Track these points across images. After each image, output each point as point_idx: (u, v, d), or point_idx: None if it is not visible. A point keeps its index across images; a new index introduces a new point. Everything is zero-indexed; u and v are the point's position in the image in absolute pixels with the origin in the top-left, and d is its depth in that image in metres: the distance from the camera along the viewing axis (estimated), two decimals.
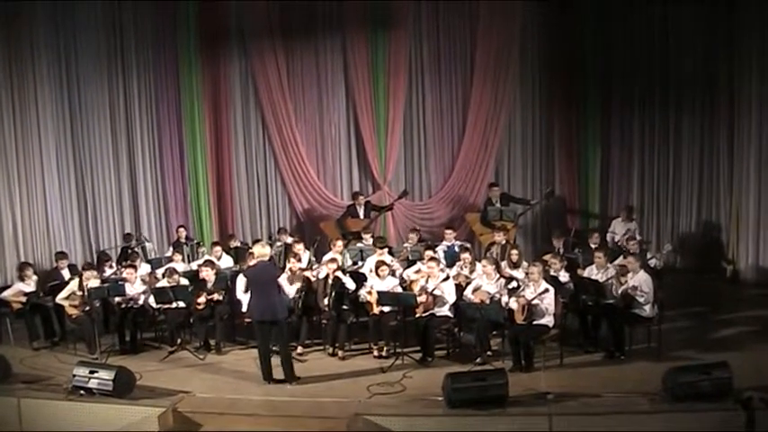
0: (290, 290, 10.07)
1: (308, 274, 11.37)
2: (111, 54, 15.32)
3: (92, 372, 9.35)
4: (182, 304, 11.21)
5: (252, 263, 10.32)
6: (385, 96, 15.50)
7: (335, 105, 15.70)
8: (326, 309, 10.91)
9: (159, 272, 12.24)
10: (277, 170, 15.89)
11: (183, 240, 13.88)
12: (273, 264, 10.39)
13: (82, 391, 9.29)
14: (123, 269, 11.87)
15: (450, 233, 13.23)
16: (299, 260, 11.69)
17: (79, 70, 15.14)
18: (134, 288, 11.51)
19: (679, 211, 15.10)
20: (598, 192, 15.50)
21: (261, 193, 16.02)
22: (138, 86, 15.53)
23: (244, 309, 11.16)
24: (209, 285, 11.39)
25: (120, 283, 11.52)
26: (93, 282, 11.29)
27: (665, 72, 14.80)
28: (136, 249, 13.55)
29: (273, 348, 9.96)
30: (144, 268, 12.46)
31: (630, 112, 15.16)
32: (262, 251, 9.92)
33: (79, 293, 11.16)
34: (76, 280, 11.34)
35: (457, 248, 12.50)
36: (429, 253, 11.66)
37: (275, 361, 9.87)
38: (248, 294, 10.36)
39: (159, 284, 11.51)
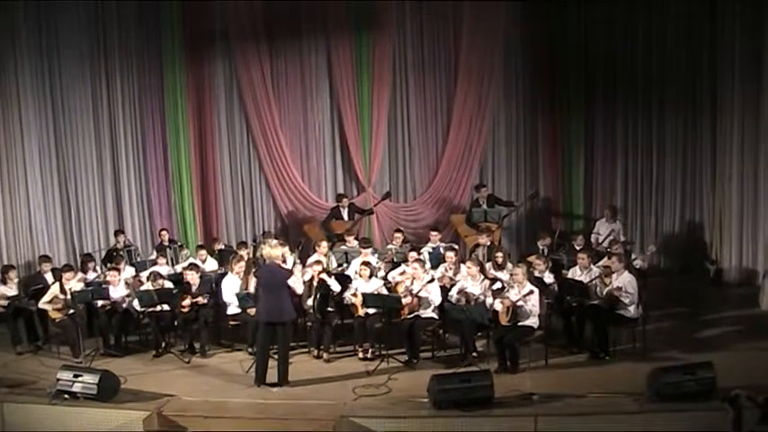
0: (299, 287, 10.13)
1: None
2: (95, 54, 15.23)
3: (76, 375, 9.29)
4: (166, 307, 11.15)
5: (264, 264, 10.23)
6: (369, 98, 15.45)
7: (320, 107, 15.66)
8: (311, 311, 10.87)
9: (143, 275, 12.16)
10: (261, 172, 15.84)
11: (166, 243, 13.81)
12: (283, 265, 10.32)
13: (66, 396, 9.22)
14: (107, 272, 11.79)
15: (435, 235, 13.23)
16: (284, 262, 11.56)
17: (62, 71, 15.06)
18: (118, 291, 11.44)
19: (662, 211, 15.14)
20: (582, 193, 15.51)
21: (245, 196, 15.96)
22: (121, 87, 15.44)
23: (230, 311, 11.18)
24: (194, 288, 11.33)
25: (103, 286, 11.44)
26: (76, 285, 11.21)
27: (647, 72, 14.84)
28: (121, 252, 13.46)
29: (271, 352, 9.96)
30: (128, 271, 12.37)
31: (614, 113, 15.18)
32: (271, 253, 9.87)
33: (62, 297, 11.07)
34: (57, 284, 11.25)
35: (442, 250, 12.47)
36: (414, 255, 11.66)
37: (271, 363, 9.86)
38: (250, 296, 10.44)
39: (143, 287, 11.44)
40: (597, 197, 15.47)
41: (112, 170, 15.60)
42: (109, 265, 12.56)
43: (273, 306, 9.65)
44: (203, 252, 12.99)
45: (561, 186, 15.62)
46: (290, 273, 9.97)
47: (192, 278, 11.41)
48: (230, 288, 11.18)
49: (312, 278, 11.01)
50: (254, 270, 10.31)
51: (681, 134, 14.89)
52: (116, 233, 14.48)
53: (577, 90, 15.28)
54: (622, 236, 13.79)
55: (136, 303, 11.23)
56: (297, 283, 9.96)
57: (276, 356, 9.84)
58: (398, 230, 13.67)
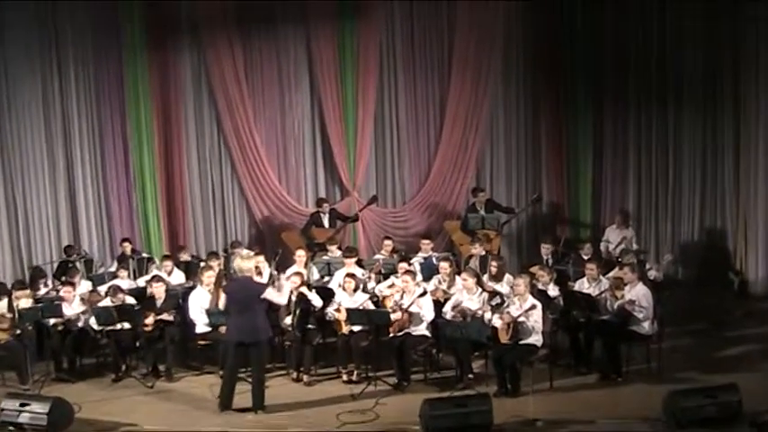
0: (283, 297, 10.01)
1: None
2: (45, 44, 15.07)
3: (23, 404, 9.20)
4: (127, 326, 11.08)
5: (238, 278, 10.13)
6: (354, 93, 15.47)
7: (299, 103, 15.63)
8: (290, 329, 10.83)
9: (102, 289, 12.07)
10: (234, 175, 15.78)
11: (128, 254, 13.70)
12: (256, 279, 10.22)
13: (11, 427, 9.13)
14: (60, 287, 11.66)
15: (426, 243, 13.22)
16: (260, 274, 11.51)
17: (8, 70, 14.94)
18: (72, 308, 11.33)
19: (680, 217, 15.18)
20: (590, 197, 15.58)
21: (216, 201, 15.88)
22: (75, 80, 15.29)
23: (198, 330, 11.12)
24: (159, 304, 11.28)
25: (56, 302, 11.33)
26: (24, 302, 11.08)
27: (662, 65, 14.90)
28: (76, 264, 13.34)
29: (240, 375, 9.89)
30: (84, 285, 12.27)
31: (625, 110, 15.25)
32: (243, 265, 9.77)
33: (9, 316, 10.94)
34: (5, 300, 11.12)
35: (434, 260, 12.48)
36: (404, 265, 11.61)
37: (239, 388, 9.79)
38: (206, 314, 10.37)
39: (101, 304, 11.34)
40: (607, 201, 15.53)
41: (66, 175, 15.45)
42: (62, 278, 12.41)
43: (246, 324, 9.56)
44: (169, 263, 12.91)
45: (567, 190, 15.69)
46: (265, 286, 9.87)
47: (157, 292, 11.36)
48: (199, 303, 11.08)
49: (291, 292, 10.91)
50: (223, 284, 10.22)
51: (700, 133, 14.95)
52: (66, 249, 14.34)
53: (585, 85, 15.36)
54: (635, 244, 13.84)
55: (93, 321, 11.13)
56: (275, 295, 9.82)
57: (248, 380, 9.77)
58: (387, 238, 13.66)
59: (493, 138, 15.81)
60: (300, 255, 12.38)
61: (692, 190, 15.06)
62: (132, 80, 15.33)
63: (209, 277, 11.19)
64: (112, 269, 13.31)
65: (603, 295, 10.58)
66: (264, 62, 15.52)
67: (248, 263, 9.83)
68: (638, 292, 10.32)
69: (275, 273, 11.96)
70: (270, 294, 9.68)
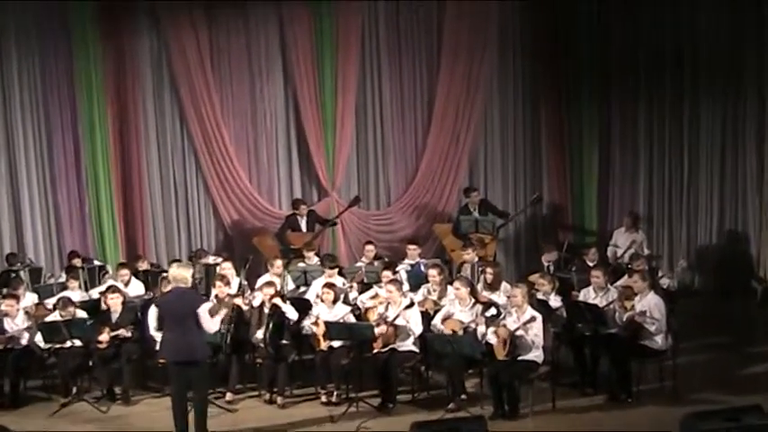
0: (213, 323, 9.84)
1: (238, 301, 11.21)
2: None
3: None
4: (78, 343, 10.99)
5: (166, 289, 10.10)
6: (333, 82, 15.49)
7: (271, 93, 15.66)
8: (262, 345, 10.82)
9: (49, 302, 12.03)
10: (199, 173, 15.76)
11: (79, 264, 13.59)
12: (195, 290, 10.15)
13: None
14: (1, 300, 11.56)
15: (413, 249, 13.22)
16: (228, 284, 11.56)
17: None
18: (16, 324, 11.24)
19: (696, 219, 15.27)
20: (596, 197, 15.68)
21: (179, 203, 15.85)
22: (18, 69, 15.13)
23: (158, 347, 10.94)
24: (115, 318, 11.23)
25: None
26: None
27: (677, 53, 14.98)
28: (20, 274, 13.24)
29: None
30: (29, 298, 12.20)
31: (635, 102, 15.35)
32: (179, 274, 9.67)
33: None
34: None
35: (423, 268, 12.49)
36: (388, 274, 11.62)
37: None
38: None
39: (49, 318, 11.28)
40: (614, 202, 15.64)
41: (8, 174, 15.31)
42: (4, 290, 12.29)
43: (181, 342, 9.40)
44: (126, 272, 12.86)
45: (570, 189, 15.79)
46: (203, 300, 9.79)
47: (112, 305, 11.31)
48: (157, 318, 11.00)
49: (263, 304, 10.98)
50: (157, 297, 10.14)
51: (719, 128, 15.04)
52: (8, 258, 14.24)
53: (590, 74, 15.43)
54: (646, 249, 13.87)
55: (39, 338, 11.06)
56: (206, 317, 9.47)
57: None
58: (369, 244, 13.65)
59: (487, 132, 15.89)
60: (276, 264, 12.36)
61: (710, 189, 15.14)
62: (83, 70, 15.21)
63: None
64: (61, 279, 13.20)
65: (611, 306, 10.57)
66: (233, 47, 15.48)
67: (184, 271, 9.67)
68: (649, 303, 10.29)
69: (245, 283, 11.95)
70: (203, 312, 9.43)
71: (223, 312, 10.51)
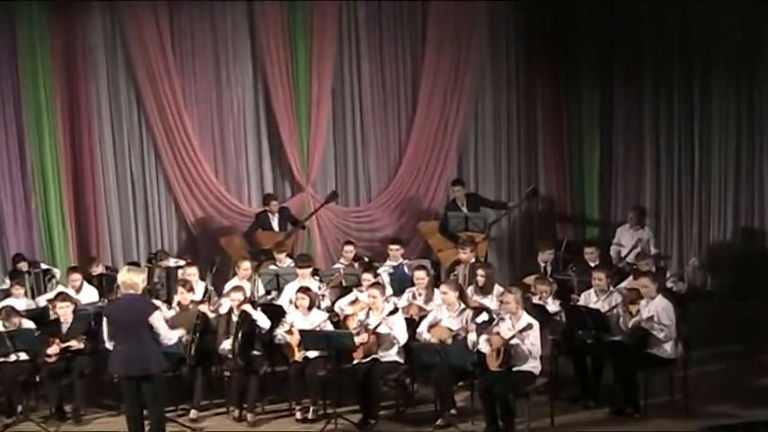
0: (170, 332, 9.81)
1: (203, 308, 11.21)
2: None
3: None
4: (24, 356, 10.99)
5: (116, 296, 10.06)
6: (307, 65, 15.45)
7: (239, 78, 15.61)
8: (230, 356, 10.79)
9: None
10: (159, 167, 15.69)
11: (25, 269, 13.51)
12: (146, 297, 10.09)
13: None
14: None
15: (396, 249, 13.25)
16: (192, 290, 11.56)
17: None
18: None
19: (708, 215, 15.36)
20: (597, 191, 15.75)
21: (137, 200, 15.76)
22: None
23: (109, 360, 10.90)
24: (65, 328, 11.19)
25: None
26: None
27: (686, 36, 15.02)
28: None
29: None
30: None
31: (640, 88, 15.44)
32: (128, 279, 9.61)
33: None
34: None
35: (406, 269, 12.53)
36: (369, 277, 11.61)
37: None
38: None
39: None
40: (618, 196, 15.73)
41: None
42: None
43: (132, 353, 9.35)
44: (77, 277, 12.82)
45: (569, 182, 15.88)
46: (155, 307, 9.71)
47: (62, 314, 11.26)
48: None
49: (231, 311, 10.97)
50: (104, 305, 10.10)
51: (733, 115, 15.12)
52: None
53: (590, 57, 15.48)
54: (653, 247, 13.90)
55: None
56: (161, 325, 9.51)
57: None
58: (348, 244, 13.64)
59: (478, 120, 15.94)
60: (245, 267, 12.37)
61: (723, 182, 15.22)
62: (28, 53, 15.05)
63: None
64: (5, 286, 13.16)
65: (615, 311, 10.58)
66: (196, 28, 15.42)
67: (135, 276, 9.61)
68: (657, 307, 10.30)
69: (211, 288, 11.91)
70: (156, 320, 9.41)
71: (184, 324, 10.52)
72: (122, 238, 15.73)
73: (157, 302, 10.70)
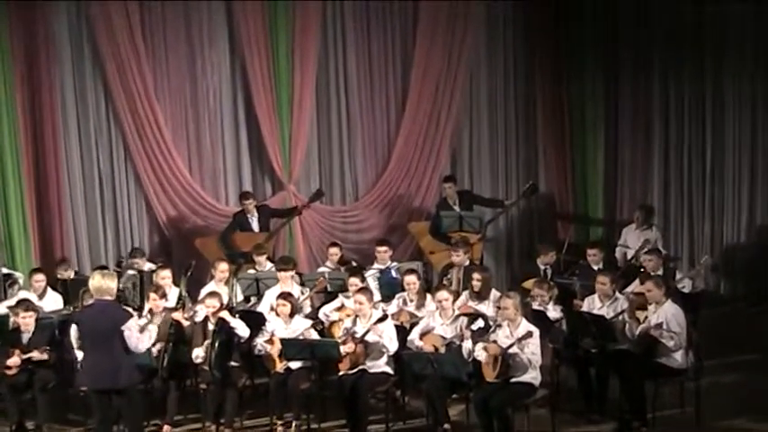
0: (143, 342, 9.81)
1: (177, 316, 11.19)
2: None
3: None
4: None
5: (88, 303, 10.01)
6: (289, 53, 15.45)
7: (215, 67, 15.61)
8: (206, 367, 10.76)
9: None
10: (129, 163, 15.68)
11: None
12: (119, 304, 10.07)
13: None
14: None
15: (384, 251, 13.27)
16: (165, 296, 11.52)
17: None
18: None
19: (722, 213, 15.38)
20: (601, 188, 15.78)
21: (105, 198, 15.76)
22: None
23: (78, 372, 10.88)
24: (27, 338, 11.16)
25: None
26: None
27: (698, 24, 15.04)
28: None
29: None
30: None
31: (648, 78, 15.42)
32: (104, 284, 9.60)
33: None
34: None
35: (394, 273, 12.55)
36: (356, 281, 11.58)
37: None
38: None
39: None
40: (624, 193, 15.74)
41: None
42: None
43: (103, 365, 9.36)
44: (41, 278, 12.85)
45: (571, 178, 15.89)
46: (129, 315, 9.72)
47: (24, 323, 11.23)
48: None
49: (207, 319, 10.95)
50: (70, 313, 10.08)
51: (747, 106, 15.11)
52: None
53: (595, 44, 15.49)
54: (662, 249, 13.79)
55: None
56: (134, 334, 9.49)
57: None
58: (334, 246, 13.65)
59: (472, 112, 15.97)
60: (222, 271, 12.38)
61: (738, 179, 15.23)
62: None
63: None
64: None
65: (621, 317, 10.59)
66: (168, 11, 15.40)
67: (109, 281, 9.60)
68: (666, 313, 10.31)
69: (185, 294, 11.90)
70: (129, 328, 9.42)
71: (200, 313, 10.48)
72: (89, 241, 15.71)
73: (129, 310, 10.66)
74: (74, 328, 10.94)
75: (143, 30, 15.31)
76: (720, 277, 15.10)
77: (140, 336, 9.50)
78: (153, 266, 13.41)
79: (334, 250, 13.48)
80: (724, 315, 13.94)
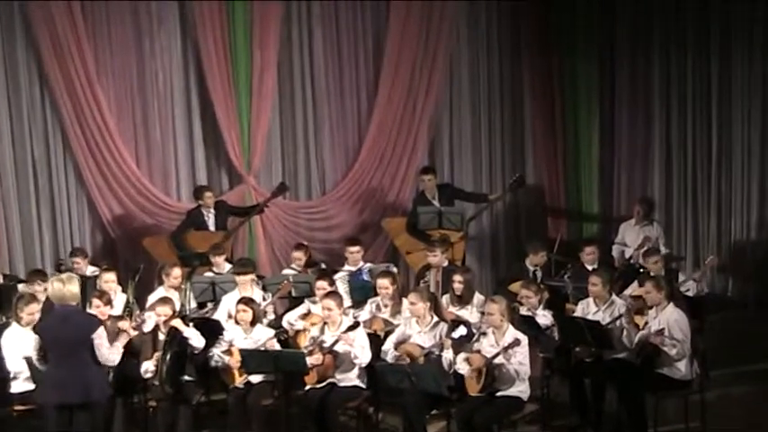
0: (113, 352, 9.87)
1: (123, 325, 11.09)
2: None
3: None
4: None
5: (55, 311, 9.98)
6: (247, 31, 15.45)
7: (165, 45, 15.57)
8: (157, 382, 10.74)
9: None
10: (67, 153, 15.56)
11: None
12: (85, 311, 10.11)
13: None
14: None
15: (355, 251, 13.29)
16: (109, 303, 11.48)
17: None
18: None
19: (729, 209, 15.48)
20: (596, 181, 15.84)
21: (40, 193, 15.57)
22: None
23: (14, 389, 10.91)
24: None
25: None
26: None
27: None
28: None
29: None
30: None
31: (647, 60, 15.52)
32: (68, 291, 9.64)
33: None
34: None
35: (366, 276, 12.60)
36: (324, 285, 11.64)
37: None
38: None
39: None
40: (620, 187, 15.85)
41: None
42: None
43: (70, 378, 9.44)
44: None
45: (563, 170, 16.00)
46: (98, 323, 9.76)
47: None
48: (16, 349, 10.86)
49: (157, 328, 10.96)
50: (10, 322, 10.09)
51: (758, 91, 15.21)
52: None
53: (587, 22, 15.60)
54: (663, 247, 13.98)
55: None
56: (104, 345, 9.62)
57: None
58: (299, 248, 13.63)
59: (453, 96, 16.04)
60: (175, 275, 12.40)
61: (747, 170, 15.32)
62: None
63: (31, 312, 10.96)
64: None
65: (618, 323, 10.64)
66: None
67: (72, 286, 9.67)
68: (668, 318, 10.37)
69: (133, 301, 11.90)
70: (98, 338, 9.51)
71: (149, 323, 10.53)
72: (22, 240, 15.50)
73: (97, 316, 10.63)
74: (7, 339, 11.02)
75: (82, 5, 15.10)
76: (728, 279, 15.21)
77: (111, 347, 9.55)
78: (96, 270, 13.39)
79: (298, 254, 13.39)
80: (732, 320, 14.01)
